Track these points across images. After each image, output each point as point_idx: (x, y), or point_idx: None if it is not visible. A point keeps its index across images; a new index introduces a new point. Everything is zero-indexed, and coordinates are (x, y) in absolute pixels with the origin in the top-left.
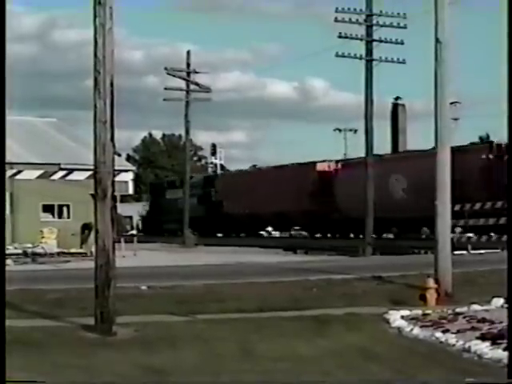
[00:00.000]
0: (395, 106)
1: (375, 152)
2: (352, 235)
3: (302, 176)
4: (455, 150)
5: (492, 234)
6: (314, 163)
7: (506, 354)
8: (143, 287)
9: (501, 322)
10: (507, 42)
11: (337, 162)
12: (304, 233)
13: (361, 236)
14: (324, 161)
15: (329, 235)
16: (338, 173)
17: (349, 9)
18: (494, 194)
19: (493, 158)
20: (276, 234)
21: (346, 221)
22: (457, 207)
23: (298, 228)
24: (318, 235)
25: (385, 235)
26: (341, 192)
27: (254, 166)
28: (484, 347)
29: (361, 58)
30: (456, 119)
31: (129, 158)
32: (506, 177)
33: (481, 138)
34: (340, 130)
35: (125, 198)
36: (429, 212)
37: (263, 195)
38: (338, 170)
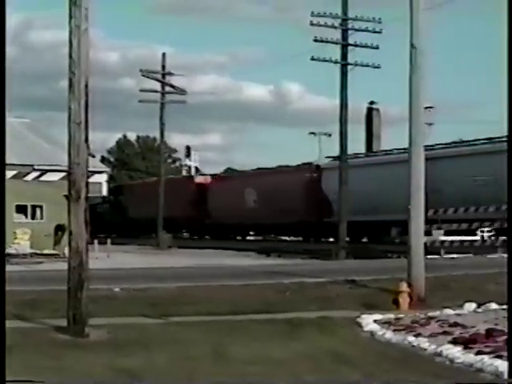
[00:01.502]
0: (370, 111)
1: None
2: (240, 237)
3: (185, 187)
4: (284, 171)
5: (464, 239)
6: (192, 176)
7: (477, 358)
8: (116, 289)
9: (473, 327)
10: (507, 41)
11: (212, 176)
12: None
13: (238, 237)
14: (202, 175)
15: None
16: (211, 185)
17: (325, 13)
18: (311, 206)
19: (312, 176)
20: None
21: (217, 225)
22: (430, 212)
23: (184, 231)
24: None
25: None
26: (213, 201)
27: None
28: (456, 351)
29: (336, 62)
30: (430, 124)
31: (103, 160)
32: (321, 191)
33: (453, 142)
34: (315, 134)
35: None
36: (275, 219)
37: (157, 202)
38: (212, 183)
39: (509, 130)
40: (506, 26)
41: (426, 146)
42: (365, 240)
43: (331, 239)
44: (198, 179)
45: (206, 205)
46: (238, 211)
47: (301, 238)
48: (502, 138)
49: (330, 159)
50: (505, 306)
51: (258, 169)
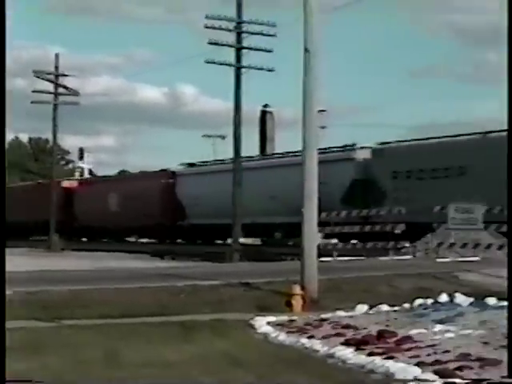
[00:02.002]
0: (263, 113)
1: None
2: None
3: (54, 191)
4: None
5: (355, 242)
6: (60, 181)
7: (369, 359)
8: (8, 292)
9: (365, 328)
10: (507, 41)
11: (78, 180)
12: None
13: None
14: (69, 179)
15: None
16: (77, 190)
17: (219, 16)
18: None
19: (167, 181)
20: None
21: (83, 228)
22: (323, 215)
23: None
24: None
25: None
26: (79, 205)
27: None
28: (348, 353)
29: (230, 65)
30: (323, 127)
31: None
32: (176, 196)
33: (346, 145)
34: (209, 136)
35: None
36: (135, 222)
37: (34, 206)
38: (78, 188)
39: (509, 130)
40: (506, 26)
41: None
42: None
43: (227, 241)
44: (65, 184)
45: (72, 208)
46: (102, 215)
47: (156, 240)
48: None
49: (185, 165)
50: (396, 308)
51: (121, 173)
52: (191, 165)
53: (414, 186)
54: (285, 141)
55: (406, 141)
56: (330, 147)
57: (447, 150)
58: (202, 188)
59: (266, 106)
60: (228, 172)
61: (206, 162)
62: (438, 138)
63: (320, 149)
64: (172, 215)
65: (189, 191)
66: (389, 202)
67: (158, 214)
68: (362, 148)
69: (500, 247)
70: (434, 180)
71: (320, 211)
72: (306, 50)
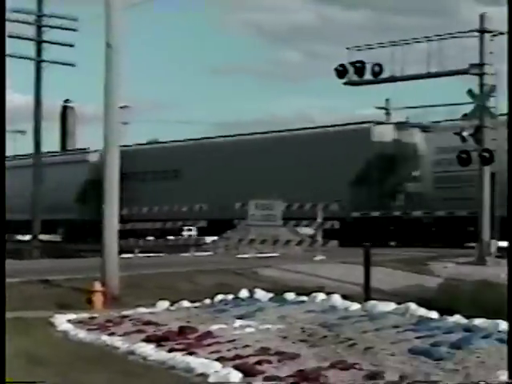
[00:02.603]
0: (64, 109)
1: None
2: None
3: None
4: None
5: (152, 238)
6: None
7: (169, 355)
8: None
9: (166, 325)
10: (507, 41)
11: None
12: None
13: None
14: None
15: None
16: None
17: (19, 9)
18: None
19: None
20: None
21: None
22: (125, 211)
23: None
24: None
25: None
26: None
27: None
28: (149, 349)
29: (30, 59)
30: (125, 123)
31: None
32: None
33: (149, 142)
34: (8, 131)
35: None
36: None
37: None
38: None
39: (509, 129)
40: (506, 26)
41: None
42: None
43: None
44: None
45: None
46: None
47: None
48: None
49: None
50: (197, 304)
51: None
52: None
53: (140, 187)
54: (87, 136)
55: (141, 144)
56: (69, 150)
57: (164, 155)
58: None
59: (67, 101)
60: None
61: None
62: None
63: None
64: None
65: None
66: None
67: None
68: (95, 151)
69: (298, 243)
70: (154, 182)
71: (121, 207)
72: (108, 46)
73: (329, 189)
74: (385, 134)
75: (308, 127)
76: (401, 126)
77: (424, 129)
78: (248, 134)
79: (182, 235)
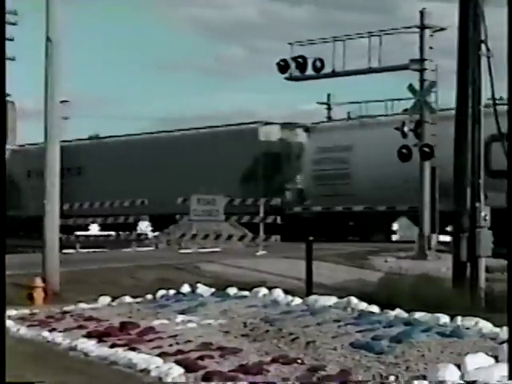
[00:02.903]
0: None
1: None
2: None
3: None
4: None
5: (96, 233)
6: None
7: (111, 351)
8: None
9: (107, 320)
10: (507, 41)
11: None
12: None
13: None
14: None
15: None
16: None
17: None
18: None
19: None
20: None
21: None
22: (66, 206)
23: None
24: None
25: None
26: None
27: None
28: (90, 345)
29: None
30: (66, 118)
31: None
32: None
33: (90, 136)
34: None
35: None
36: None
37: None
38: None
39: (509, 129)
40: (506, 25)
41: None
42: None
43: None
44: None
45: None
46: None
47: None
48: None
49: None
50: (138, 299)
51: None
52: None
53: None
54: (27, 132)
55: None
56: None
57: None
58: None
59: (7, 95)
60: None
61: None
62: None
63: None
64: None
65: None
66: (25, 199)
67: None
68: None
69: (241, 238)
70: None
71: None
72: (49, 40)
73: (221, 185)
74: (271, 133)
75: (210, 126)
76: (286, 125)
77: (306, 129)
78: (167, 132)
79: (135, 230)
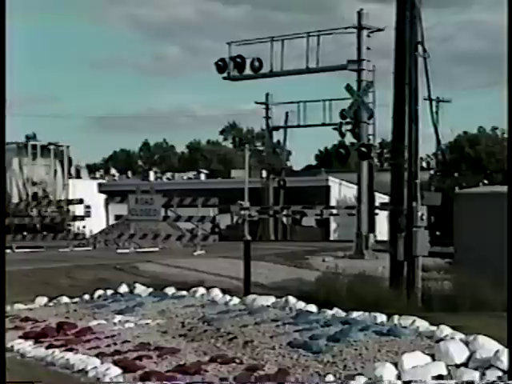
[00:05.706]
0: None
1: None
2: None
3: None
4: None
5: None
6: None
7: (48, 351)
8: None
9: (44, 321)
10: (507, 41)
11: None
12: None
13: None
14: None
15: None
16: None
17: None
18: None
19: None
20: None
21: None
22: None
23: None
24: None
25: None
26: None
27: None
28: (27, 346)
29: None
30: None
31: None
32: None
33: (27, 136)
34: None
35: None
36: None
37: None
38: None
39: (509, 129)
40: (506, 26)
41: None
42: None
43: None
44: None
45: None
46: None
47: None
48: None
49: None
50: (76, 300)
51: None
52: None
53: None
54: None
55: None
56: None
57: None
58: None
59: None
60: None
61: None
62: None
63: None
64: None
65: None
66: None
67: None
68: None
69: (179, 238)
70: None
71: None
72: None
73: None
74: None
75: None
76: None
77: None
78: None
79: (69, 229)
